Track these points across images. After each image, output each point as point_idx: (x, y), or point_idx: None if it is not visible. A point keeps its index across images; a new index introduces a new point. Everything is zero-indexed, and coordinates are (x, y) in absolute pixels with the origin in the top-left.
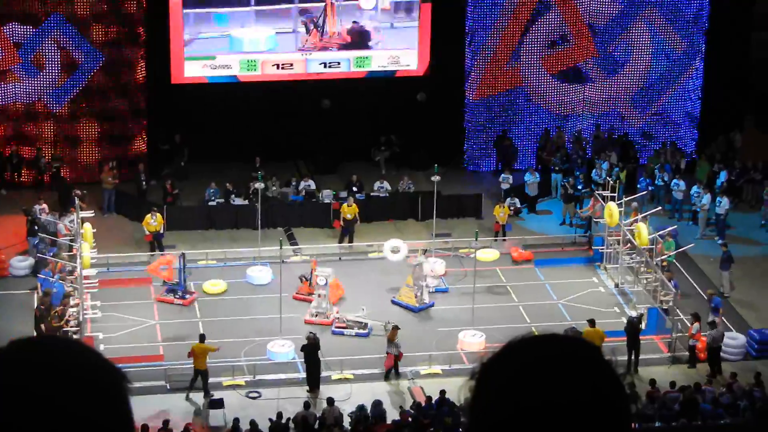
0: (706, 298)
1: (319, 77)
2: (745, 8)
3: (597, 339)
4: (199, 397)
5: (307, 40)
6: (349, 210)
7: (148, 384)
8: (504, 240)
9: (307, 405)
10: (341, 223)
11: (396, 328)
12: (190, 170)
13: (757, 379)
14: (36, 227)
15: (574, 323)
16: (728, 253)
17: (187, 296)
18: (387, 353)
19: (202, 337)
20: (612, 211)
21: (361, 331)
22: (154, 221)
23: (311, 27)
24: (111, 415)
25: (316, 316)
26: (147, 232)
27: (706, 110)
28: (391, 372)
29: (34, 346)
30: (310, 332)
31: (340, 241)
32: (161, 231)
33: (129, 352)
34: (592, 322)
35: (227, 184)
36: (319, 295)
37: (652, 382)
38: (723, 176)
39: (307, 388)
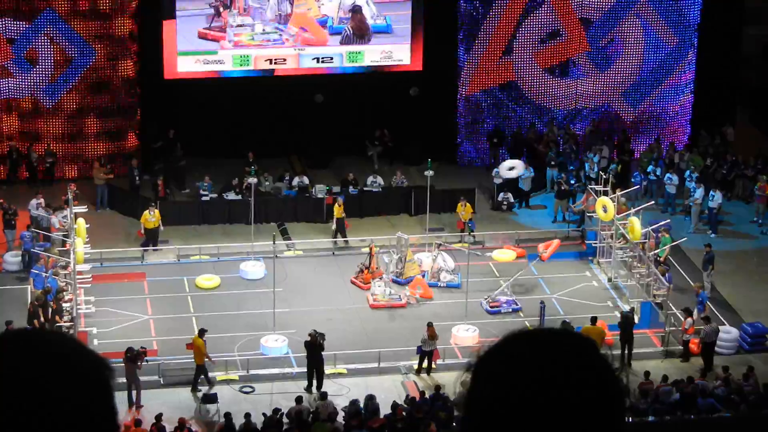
0: (695, 291)
1: (313, 71)
2: (737, 2)
3: (596, 336)
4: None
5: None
6: (339, 210)
7: (141, 379)
8: (473, 237)
9: (299, 399)
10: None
11: (431, 324)
12: (184, 166)
13: (749, 372)
14: (12, 221)
15: (567, 317)
16: (711, 254)
17: None
18: (434, 350)
19: (201, 332)
20: (606, 205)
21: (515, 306)
22: (152, 217)
23: (221, 9)
24: (94, 399)
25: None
26: (143, 228)
27: (698, 104)
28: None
29: (24, 335)
30: (313, 329)
31: (334, 237)
32: (160, 227)
33: (122, 347)
34: (593, 320)
35: (234, 179)
36: (381, 278)
37: (647, 374)
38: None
39: (306, 384)
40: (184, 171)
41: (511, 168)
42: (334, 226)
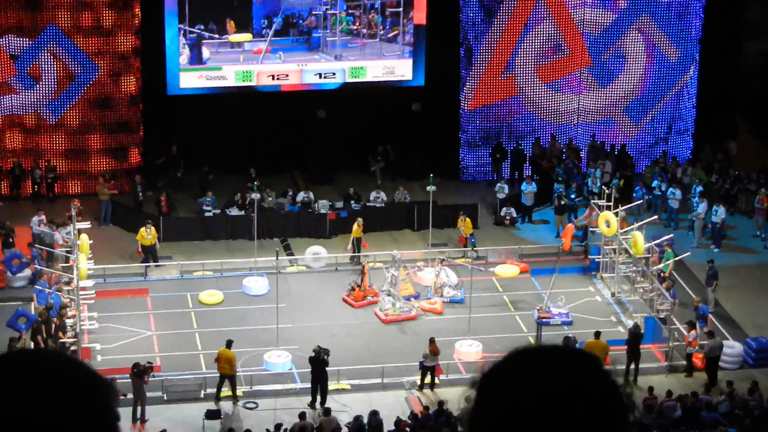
0: (694, 306)
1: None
2: (737, 16)
3: (599, 351)
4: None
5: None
6: (358, 230)
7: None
8: (476, 252)
9: (302, 415)
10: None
11: (433, 341)
12: (186, 181)
13: (754, 387)
14: (10, 238)
15: (570, 333)
16: (714, 269)
17: None
18: (436, 365)
19: (229, 343)
20: (609, 220)
21: (566, 319)
22: (149, 234)
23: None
24: (97, 414)
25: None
26: (140, 246)
27: (701, 118)
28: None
29: (27, 353)
30: (318, 345)
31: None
32: (156, 244)
33: (126, 363)
34: (597, 334)
35: (237, 195)
36: (389, 293)
37: (650, 389)
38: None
39: (310, 400)
40: (209, 185)
41: (316, 255)
42: (350, 246)
